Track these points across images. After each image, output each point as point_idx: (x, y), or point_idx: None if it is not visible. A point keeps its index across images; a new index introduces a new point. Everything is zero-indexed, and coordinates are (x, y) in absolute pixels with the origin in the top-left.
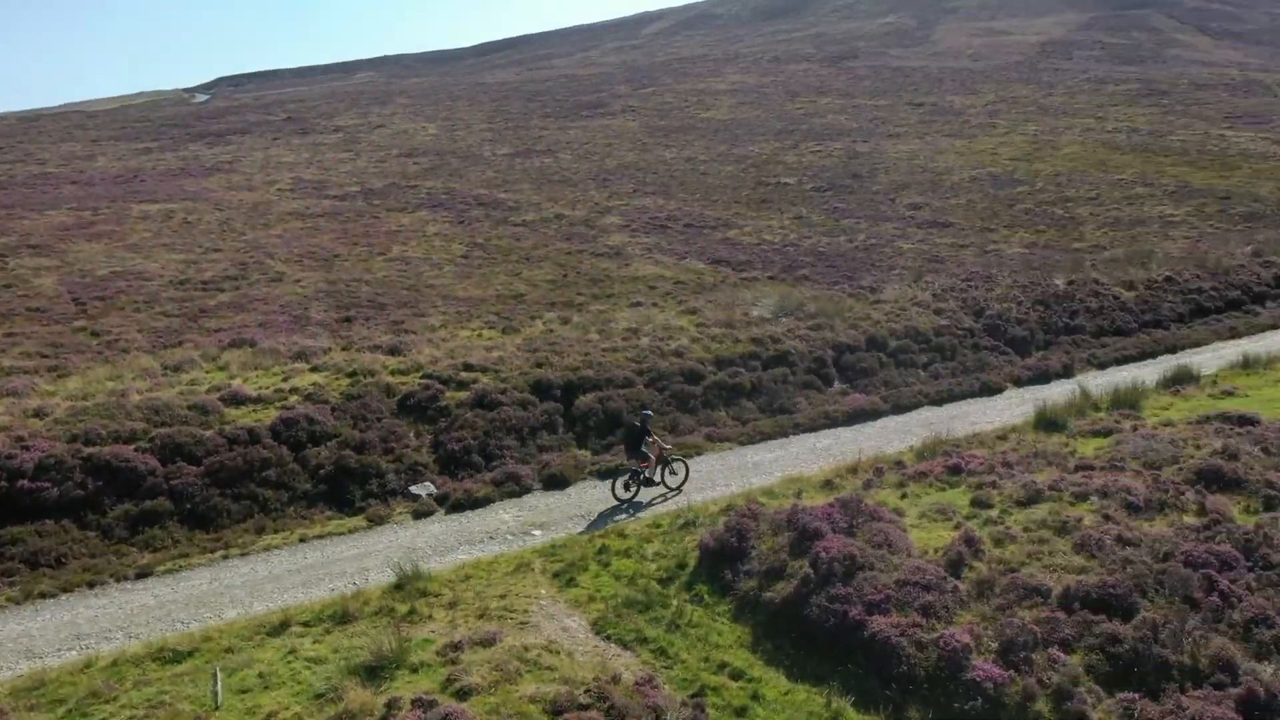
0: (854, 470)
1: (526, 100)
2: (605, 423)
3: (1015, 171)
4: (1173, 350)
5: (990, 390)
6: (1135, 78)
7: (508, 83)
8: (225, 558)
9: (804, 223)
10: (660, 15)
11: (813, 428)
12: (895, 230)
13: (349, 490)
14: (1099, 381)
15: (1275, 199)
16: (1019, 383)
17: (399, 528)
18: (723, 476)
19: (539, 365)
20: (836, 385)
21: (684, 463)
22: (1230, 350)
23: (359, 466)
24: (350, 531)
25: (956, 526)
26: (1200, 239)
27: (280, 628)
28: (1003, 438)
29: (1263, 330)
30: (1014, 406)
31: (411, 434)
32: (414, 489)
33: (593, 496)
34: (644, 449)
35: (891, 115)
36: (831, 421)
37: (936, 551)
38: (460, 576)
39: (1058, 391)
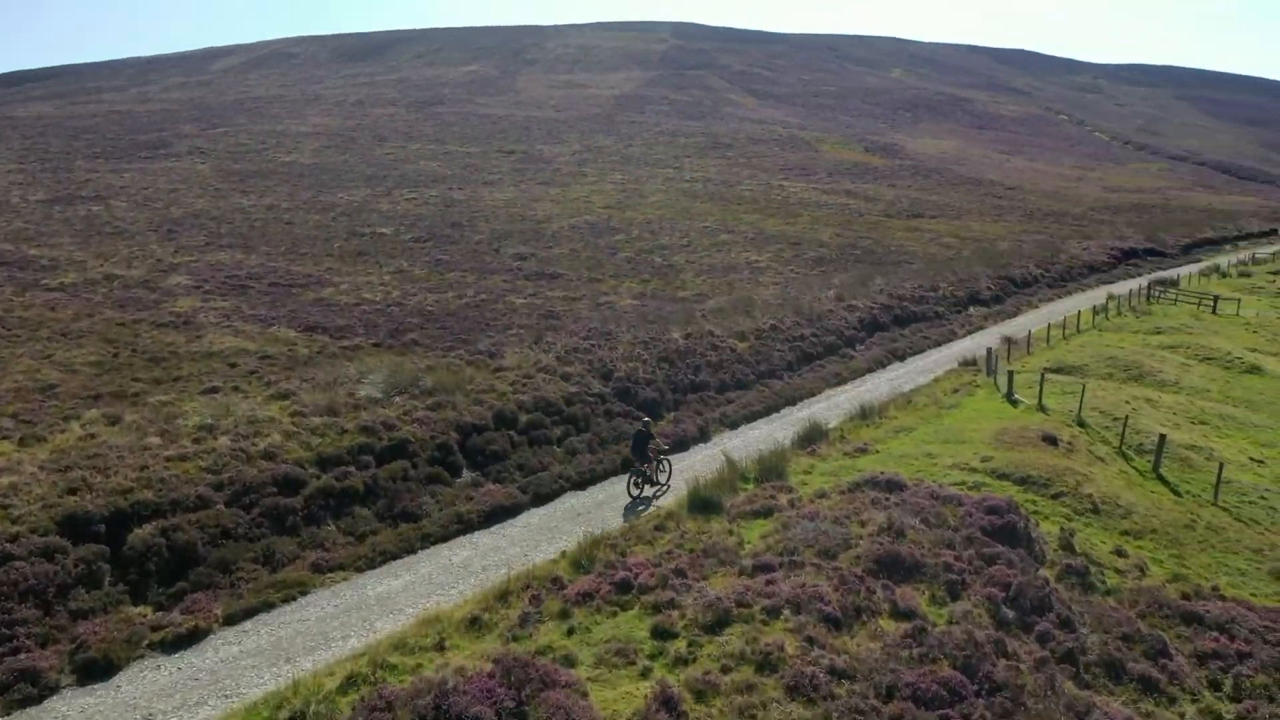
0: (504, 597)
1: (70, 138)
2: (172, 563)
3: (611, 220)
4: (792, 402)
5: None
6: (701, 132)
7: (45, 116)
8: None
9: (406, 277)
10: (230, 51)
11: (445, 536)
12: (504, 283)
13: None
14: (735, 443)
15: (837, 244)
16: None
17: None
18: (339, 625)
19: (72, 491)
20: (466, 475)
21: (668, 461)
22: (842, 398)
23: None
24: None
25: (644, 674)
26: (788, 284)
27: None
28: (660, 528)
29: (861, 374)
30: None
31: None
32: None
33: (153, 687)
34: (648, 450)
35: (484, 163)
36: (466, 525)
37: None
38: None
39: (699, 459)
